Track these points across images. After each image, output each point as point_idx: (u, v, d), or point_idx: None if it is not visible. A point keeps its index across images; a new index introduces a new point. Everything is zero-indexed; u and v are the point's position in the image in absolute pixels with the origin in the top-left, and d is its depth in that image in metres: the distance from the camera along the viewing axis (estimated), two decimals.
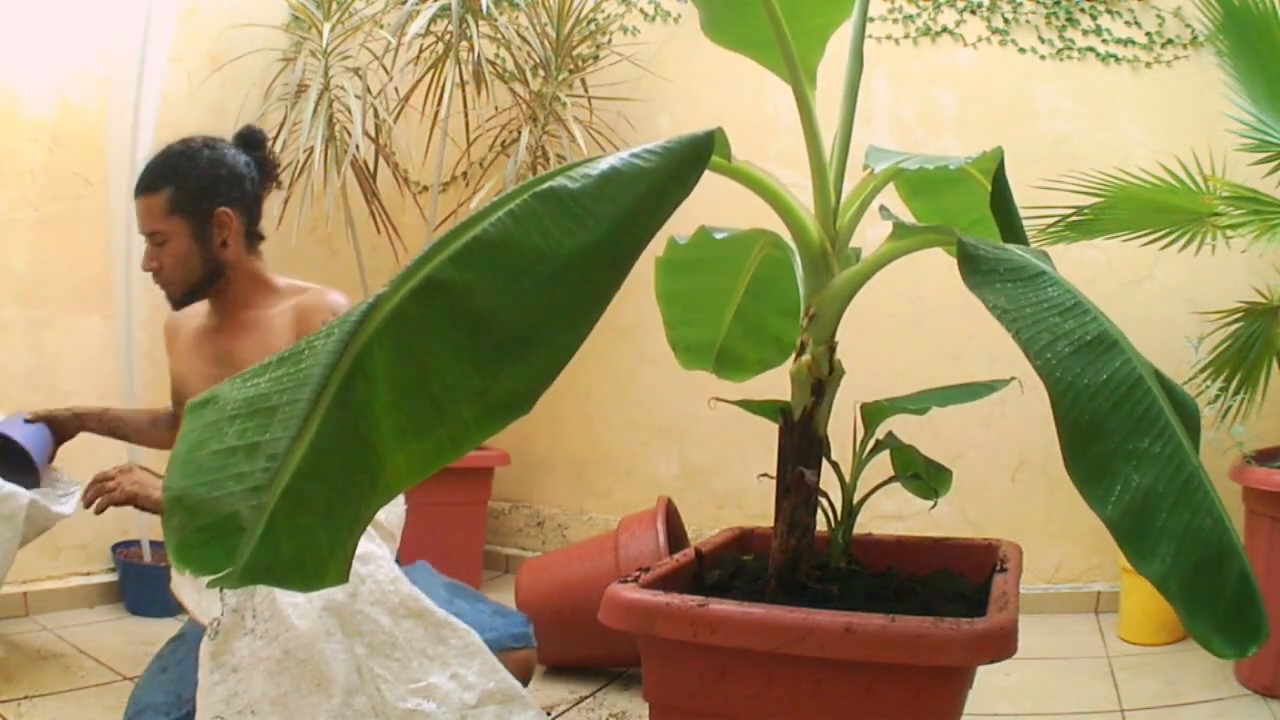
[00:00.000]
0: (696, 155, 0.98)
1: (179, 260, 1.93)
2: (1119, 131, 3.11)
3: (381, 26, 3.23)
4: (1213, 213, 2.48)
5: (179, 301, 2.00)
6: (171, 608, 3.05)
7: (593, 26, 3.49)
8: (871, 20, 3.24)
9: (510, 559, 3.69)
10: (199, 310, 2.06)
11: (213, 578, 0.82)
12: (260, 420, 0.85)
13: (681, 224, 1.22)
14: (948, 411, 1.49)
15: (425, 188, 3.66)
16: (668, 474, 3.59)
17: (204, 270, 1.95)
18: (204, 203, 1.92)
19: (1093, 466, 0.86)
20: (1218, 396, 2.53)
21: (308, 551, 0.83)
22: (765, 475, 1.35)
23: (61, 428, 2.22)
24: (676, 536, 2.61)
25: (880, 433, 1.39)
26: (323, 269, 3.51)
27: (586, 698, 2.31)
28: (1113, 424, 0.86)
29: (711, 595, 1.16)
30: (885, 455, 1.39)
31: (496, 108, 3.44)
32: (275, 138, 3.15)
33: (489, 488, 3.39)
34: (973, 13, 3.23)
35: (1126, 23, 3.11)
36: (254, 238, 2.03)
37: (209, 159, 1.94)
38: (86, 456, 3.15)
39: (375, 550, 1.59)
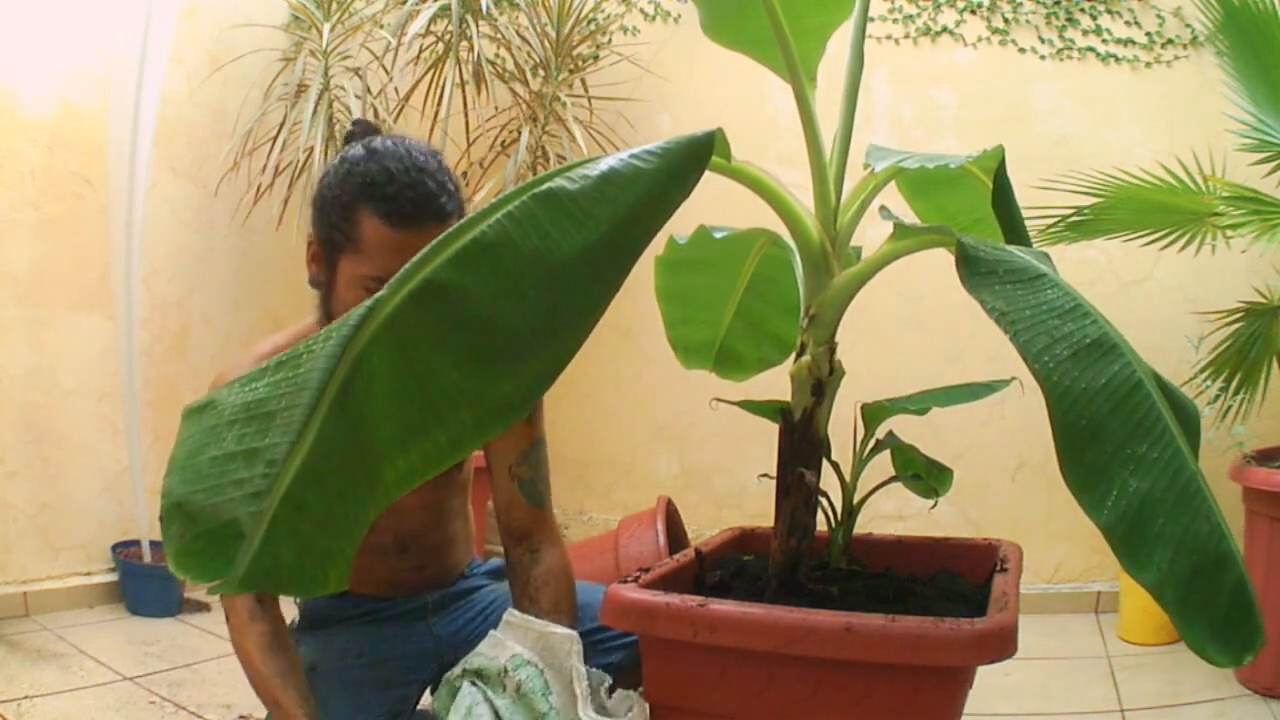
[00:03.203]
0: (696, 156, 0.97)
1: None
2: (1119, 131, 3.11)
3: (381, 26, 3.22)
4: (1213, 213, 2.48)
5: None
6: (171, 608, 3.06)
7: (593, 26, 3.49)
8: (871, 20, 3.24)
9: None
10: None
11: (213, 584, 0.82)
12: (259, 425, 0.85)
13: (681, 224, 1.22)
14: (948, 411, 1.49)
15: None
16: (668, 474, 3.58)
17: None
18: None
19: (1089, 471, 0.85)
20: (1218, 397, 2.53)
21: (308, 557, 0.83)
22: (765, 475, 1.35)
23: None
24: (676, 536, 2.61)
25: (880, 433, 1.39)
26: None
27: None
28: (1110, 428, 0.86)
29: (712, 595, 1.16)
30: (885, 455, 1.39)
31: (496, 108, 3.44)
32: (275, 138, 3.15)
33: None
34: (973, 13, 3.23)
35: (1126, 23, 3.11)
36: None
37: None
38: (84, 454, 3.16)
39: None
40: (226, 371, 1.41)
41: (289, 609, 1.58)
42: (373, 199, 1.29)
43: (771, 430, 1.29)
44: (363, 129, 1.47)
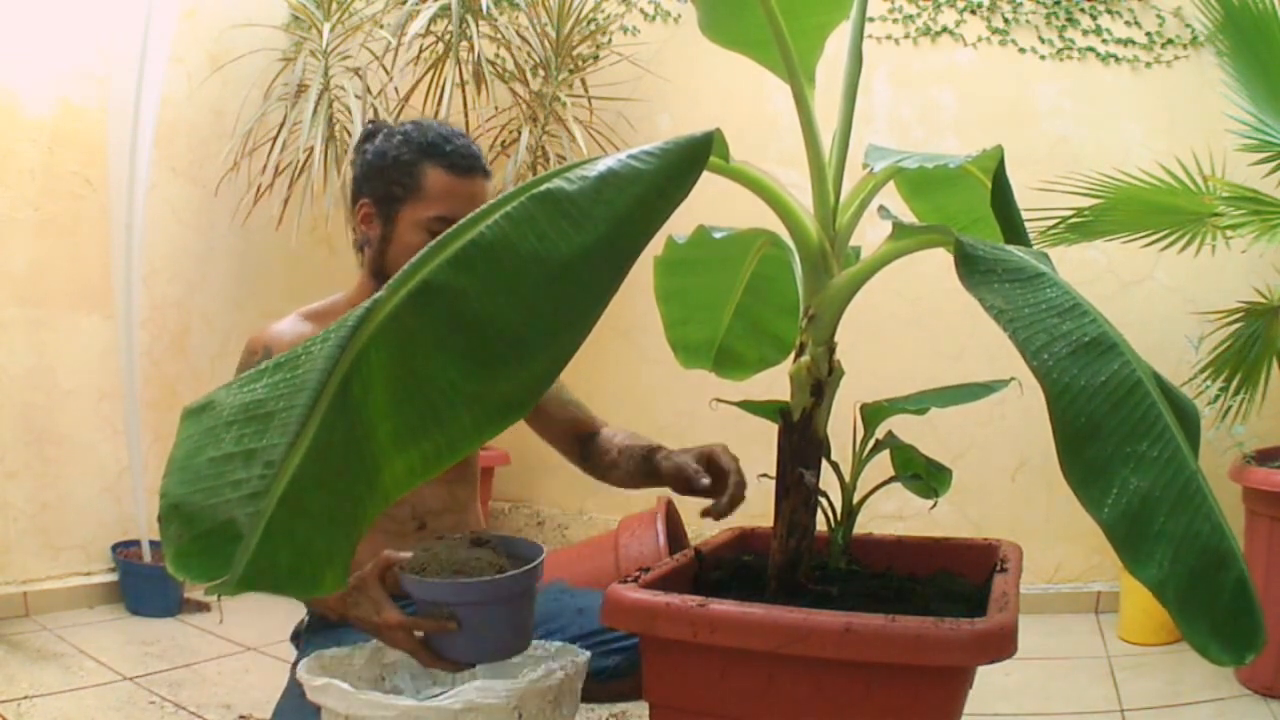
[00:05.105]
0: (694, 157, 0.97)
1: None
2: (1119, 132, 3.11)
3: (381, 26, 3.22)
4: (1213, 213, 2.48)
5: None
6: (171, 607, 3.06)
7: (593, 26, 3.49)
8: (871, 20, 3.24)
9: None
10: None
11: (210, 585, 0.81)
12: (257, 426, 0.84)
13: (681, 223, 1.22)
14: (948, 411, 1.48)
15: None
16: None
17: None
18: None
19: (1089, 469, 0.85)
20: (1218, 396, 2.53)
21: (305, 558, 0.83)
22: (765, 475, 1.35)
23: None
24: (676, 536, 2.61)
25: (880, 433, 1.39)
26: (322, 269, 3.51)
27: None
28: (1110, 426, 0.86)
29: (712, 595, 1.16)
30: (885, 455, 1.39)
31: (496, 108, 3.44)
32: (275, 138, 3.15)
33: (489, 488, 3.39)
34: (973, 13, 3.23)
35: (1126, 23, 3.11)
36: None
37: None
38: (84, 454, 3.16)
39: None
40: (260, 337, 1.58)
41: (299, 610, 1.58)
42: (436, 155, 1.57)
43: (771, 430, 1.29)
44: (378, 126, 1.71)
